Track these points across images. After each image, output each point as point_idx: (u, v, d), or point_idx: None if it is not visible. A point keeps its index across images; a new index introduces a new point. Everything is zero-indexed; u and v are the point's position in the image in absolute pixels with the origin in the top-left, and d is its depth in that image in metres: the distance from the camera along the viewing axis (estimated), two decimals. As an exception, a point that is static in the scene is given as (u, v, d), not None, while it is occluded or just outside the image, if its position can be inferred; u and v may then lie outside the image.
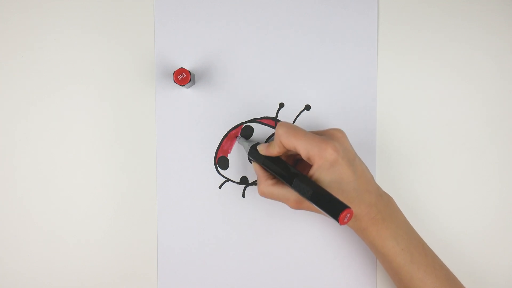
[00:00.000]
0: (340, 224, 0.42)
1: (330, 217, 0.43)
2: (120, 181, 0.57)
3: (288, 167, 0.49)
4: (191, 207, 0.57)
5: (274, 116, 0.57)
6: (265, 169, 0.51)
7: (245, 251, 0.57)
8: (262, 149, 0.51)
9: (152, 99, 0.57)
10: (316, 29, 0.56)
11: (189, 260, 0.57)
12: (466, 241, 0.57)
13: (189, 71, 0.53)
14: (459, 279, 0.51)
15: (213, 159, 0.57)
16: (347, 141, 0.50)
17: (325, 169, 0.47)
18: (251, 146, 0.53)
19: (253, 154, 0.52)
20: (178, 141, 0.57)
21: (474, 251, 0.57)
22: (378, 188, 0.50)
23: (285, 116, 0.57)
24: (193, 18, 0.56)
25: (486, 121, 0.57)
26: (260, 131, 0.57)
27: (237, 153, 0.57)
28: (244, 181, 0.57)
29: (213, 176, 0.57)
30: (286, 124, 0.49)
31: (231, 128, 0.57)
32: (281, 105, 0.57)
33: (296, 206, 0.49)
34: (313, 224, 0.57)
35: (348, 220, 0.43)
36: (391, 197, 0.51)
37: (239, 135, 0.57)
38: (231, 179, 0.57)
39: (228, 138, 0.57)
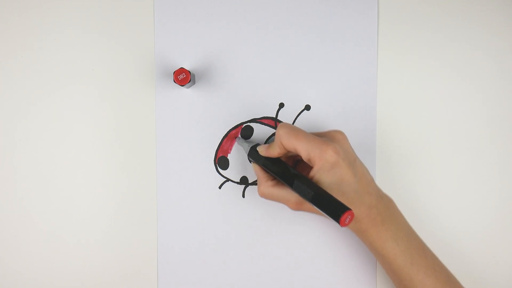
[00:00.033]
0: (341, 226, 0.42)
1: (331, 219, 0.43)
2: (120, 181, 0.57)
3: (289, 168, 0.49)
4: (191, 207, 0.57)
5: (274, 116, 0.57)
6: (265, 170, 0.51)
7: (245, 251, 0.57)
8: (262, 150, 0.51)
9: (152, 99, 0.57)
10: (316, 29, 0.56)
11: (189, 260, 0.57)
12: (466, 241, 0.57)
13: (189, 71, 0.53)
14: (459, 279, 0.51)
15: (213, 159, 0.57)
16: (348, 143, 0.50)
17: (326, 170, 0.47)
18: (251, 147, 0.53)
19: (253, 155, 0.52)
20: (178, 141, 0.57)
21: (474, 251, 0.57)
22: (379, 190, 0.50)
23: (285, 116, 0.57)
24: (193, 18, 0.56)
25: (486, 121, 0.57)
26: (260, 131, 0.57)
27: (237, 153, 0.57)
28: (244, 181, 0.57)
29: (213, 176, 0.57)
30: (287, 125, 0.49)
31: (231, 128, 0.57)
32: (281, 105, 0.57)
33: (296, 208, 0.49)
34: (313, 224, 0.57)
35: (349, 222, 0.43)
36: (391, 199, 0.51)
37: (239, 136, 0.57)
38: (231, 179, 0.57)
39: (228, 138, 0.57)
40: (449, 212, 0.57)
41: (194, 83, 0.56)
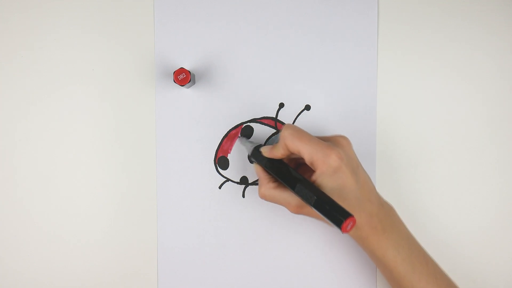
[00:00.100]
0: (343, 232, 0.42)
1: (332, 224, 0.43)
2: (120, 181, 0.57)
3: (291, 171, 0.49)
4: (191, 207, 0.57)
5: (274, 116, 0.57)
6: (267, 172, 0.51)
7: (245, 251, 0.57)
8: (265, 151, 0.51)
9: (152, 99, 0.57)
10: (316, 29, 0.56)
11: (189, 260, 0.57)
12: (466, 241, 0.57)
13: (189, 71, 0.53)
14: (460, 280, 0.51)
15: (213, 159, 0.57)
16: (352, 149, 0.50)
17: (328, 175, 0.47)
18: (254, 148, 0.53)
19: (256, 156, 0.52)
20: (178, 141, 0.57)
21: (475, 251, 0.57)
22: (380, 198, 0.50)
23: (285, 116, 0.57)
24: (193, 18, 0.56)
25: (486, 121, 0.57)
26: (260, 131, 0.57)
27: (237, 153, 0.57)
28: (244, 181, 0.57)
29: (213, 176, 0.57)
30: (292, 127, 0.49)
31: (231, 128, 0.57)
32: (281, 105, 0.57)
33: (297, 211, 0.49)
34: (313, 224, 0.57)
35: (351, 228, 0.42)
36: (392, 207, 0.51)
37: (241, 136, 0.56)
38: (231, 179, 0.57)
39: (228, 138, 0.57)
40: (449, 211, 0.57)
41: (194, 83, 0.56)
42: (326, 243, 0.57)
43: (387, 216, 0.49)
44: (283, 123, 0.57)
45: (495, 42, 0.57)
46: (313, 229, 0.57)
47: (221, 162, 0.57)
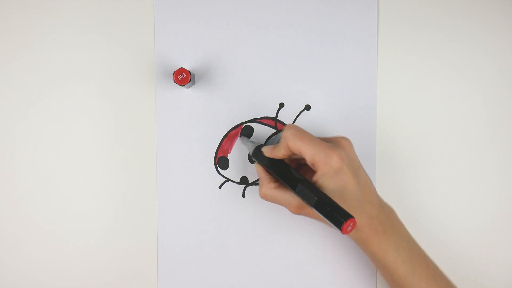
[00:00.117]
0: (343, 234, 0.42)
1: (332, 225, 0.43)
2: (120, 181, 0.57)
3: (292, 171, 0.49)
4: (191, 207, 0.57)
5: (274, 116, 0.57)
6: (268, 172, 0.51)
7: (245, 251, 0.57)
8: (267, 151, 0.51)
9: (152, 99, 0.57)
10: (316, 29, 0.56)
11: (189, 260, 0.57)
12: (466, 242, 0.57)
13: (189, 71, 0.53)
14: (460, 280, 0.51)
15: (213, 159, 0.57)
16: (353, 151, 0.50)
17: (329, 176, 0.47)
18: (255, 147, 0.53)
19: (257, 156, 0.52)
20: (178, 141, 0.57)
21: (475, 251, 0.57)
22: (380, 200, 0.50)
23: (285, 116, 0.57)
24: (193, 18, 0.56)
25: (486, 121, 0.57)
26: (260, 131, 0.57)
27: (237, 153, 0.57)
28: (244, 181, 0.57)
29: (213, 176, 0.57)
30: (294, 127, 0.49)
31: (231, 128, 0.57)
32: (281, 105, 0.57)
33: (297, 212, 0.49)
34: (313, 224, 0.57)
35: (351, 229, 0.42)
36: (392, 209, 0.51)
37: (243, 136, 0.56)
38: (231, 179, 0.57)
39: (228, 138, 0.57)
40: (449, 211, 0.57)
41: (194, 83, 0.56)
42: (326, 243, 0.57)
43: (387, 218, 0.49)
44: (283, 123, 0.57)
45: (495, 42, 0.57)
46: (313, 229, 0.57)
47: (221, 162, 0.57)
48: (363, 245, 0.49)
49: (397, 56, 0.57)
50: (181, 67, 0.54)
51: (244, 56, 0.56)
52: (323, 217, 0.43)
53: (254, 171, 0.57)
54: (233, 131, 0.57)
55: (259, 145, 0.53)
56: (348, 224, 0.42)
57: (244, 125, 0.57)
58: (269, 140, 0.57)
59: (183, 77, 0.52)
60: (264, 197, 0.50)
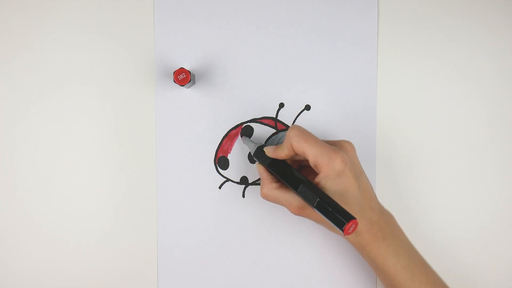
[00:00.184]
0: (345, 235, 0.42)
1: (334, 226, 0.43)
2: (120, 181, 0.57)
3: (294, 172, 0.49)
4: (191, 207, 0.57)
5: (274, 116, 0.57)
6: (269, 172, 0.51)
7: (245, 251, 0.57)
8: (269, 151, 0.51)
9: (152, 99, 0.57)
10: (316, 29, 0.56)
11: (189, 260, 0.57)
12: (466, 243, 0.57)
13: (189, 71, 0.53)
14: (459, 280, 0.51)
15: (213, 159, 0.57)
16: (356, 155, 0.50)
17: (332, 178, 0.47)
18: (258, 147, 0.53)
19: (259, 156, 0.52)
20: (178, 141, 0.57)
21: (475, 252, 0.57)
22: (380, 207, 0.50)
23: (285, 116, 0.57)
24: (193, 18, 0.56)
25: (486, 121, 0.57)
26: (260, 131, 0.57)
27: (237, 153, 0.57)
28: (244, 181, 0.57)
29: (213, 176, 0.57)
30: (298, 128, 0.49)
31: (231, 128, 0.57)
32: (281, 105, 0.57)
33: (298, 212, 0.49)
34: (313, 224, 0.57)
35: (353, 231, 0.43)
36: (392, 215, 0.51)
37: (244, 136, 0.56)
38: (231, 179, 0.57)
39: (228, 138, 0.57)
40: (448, 211, 0.57)
41: (194, 83, 0.56)
42: (326, 244, 0.57)
43: (387, 224, 0.49)
44: (283, 123, 0.57)
45: (495, 42, 0.57)
46: (313, 230, 0.57)
47: (221, 162, 0.57)
48: (363, 250, 0.50)
49: (397, 56, 0.57)
50: (181, 67, 0.54)
51: (244, 56, 0.56)
52: (325, 218, 0.43)
53: (254, 171, 0.57)
54: (233, 131, 0.57)
55: (260, 145, 0.53)
56: (350, 225, 0.42)
57: (244, 125, 0.57)
58: (269, 140, 0.57)
59: (183, 77, 0.52)
60: (266, 197, 0.50)
